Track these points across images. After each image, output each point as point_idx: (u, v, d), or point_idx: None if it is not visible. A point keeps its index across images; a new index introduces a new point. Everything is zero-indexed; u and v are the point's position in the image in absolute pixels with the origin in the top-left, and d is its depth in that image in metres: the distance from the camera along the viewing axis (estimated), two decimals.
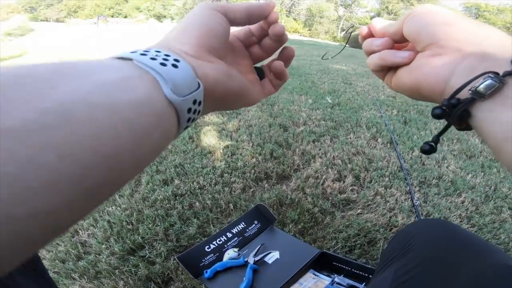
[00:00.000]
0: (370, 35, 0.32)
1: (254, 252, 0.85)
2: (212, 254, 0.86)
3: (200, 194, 1.20)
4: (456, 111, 0.21)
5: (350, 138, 1.79)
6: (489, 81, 0.20)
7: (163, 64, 0.19)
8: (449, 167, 1.55)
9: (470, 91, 0.21)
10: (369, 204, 1.21)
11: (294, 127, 1.89)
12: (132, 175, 0.18)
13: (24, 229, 0.11)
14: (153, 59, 0.19)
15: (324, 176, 1.36)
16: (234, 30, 0.31)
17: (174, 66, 0.20)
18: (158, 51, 0.21)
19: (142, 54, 0.20)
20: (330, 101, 2.53)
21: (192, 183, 1.26)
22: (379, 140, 1.79)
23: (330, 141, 1.74)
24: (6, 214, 0.10)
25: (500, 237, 1.08)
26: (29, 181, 0.11)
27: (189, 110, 0.21)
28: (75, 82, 0.14)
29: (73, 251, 0.92)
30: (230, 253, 0.86)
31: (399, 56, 0.28)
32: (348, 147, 1.66)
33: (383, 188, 1.30)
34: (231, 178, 1.31)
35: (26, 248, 0.12)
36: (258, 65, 0.34)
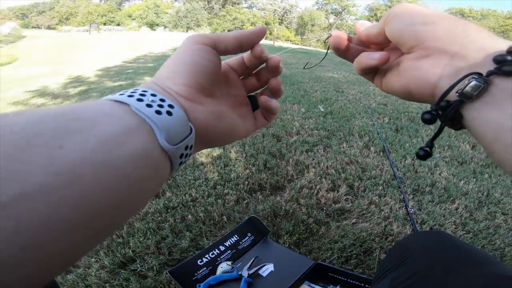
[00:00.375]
0: (348, 43, 0.31)
1: (248, 265, 0.83)
2: (205, 268, 0.84)
3: (193, 206, 1.18)
4: (447, 114, 0.21)
5: (343, 147, 1.80)
6: (473, 82, 0.19)
7: (158, 112, 0.20)
8: (441, 174, 1.56)
9: (457, 93, 0.20)
10: (363, 213, 1.20)
11: (287, 137, 1.89)
12: (129, 216, 0.19)
13: (46, 265, 0.14)
14: (149, 105, 0.20)
15: (318, 186, 1.36)
16: (228, 59, 0.31)
17: (169, 113, 0.20)
18: (154, 95, 0.21)
19: (138, 100, 0.20)
20: (322, 109, 2.55)
21: (184, 195, 1.24)
22: (372, 148, 1.80)
23: (323, 151, 1.75)
24: (30, 259, 0.13)
25: (495, 242, 1.08)
26: (48, 234, 0.13)
27: (181, 155, 0.21)
28: (80, 137, 0.16)
29: None
30: (223, 267, 0.84)
31: (372, 58, 0.27)
32: (341, 156, 1.66)
33: (377, 197, 1.30)
34: (224, 190, 1.30)
35: (45, 278, 0.14)
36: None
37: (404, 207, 1.25)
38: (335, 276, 0.84)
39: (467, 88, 0.20)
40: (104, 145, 0.16)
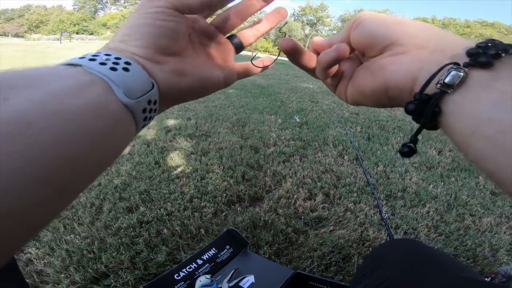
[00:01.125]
0: (300, 48, 0.29)
1: (228, 278, 0.81)
2: (182, 282, 0.81)
3: (168, 220, 1.14)
4: (430, 106, 0.21)
5: (319, 156, 1.83)
6: (453, 72, 0.19)
7: (113, 69, 0.20)
8: (411, 179, 1.63)
9: (438, 85, 0.20)
10: (340, 221, 1.22)
11: (265, 148, 1.90)
12: (96, 175, 0.18)
13: (2, 229, 0.13)
14: (102, 64, 0.19)
15: (295, 196, 1.37)
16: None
17: (125, 69, 0.20)
18: (108, 54, 0.21)
19: (91, 60, 0.20)
20: (298, 120, 2.60)
21: (159, 209, 1.20)
22: (346, 157, 1.85)
23: (300, 161, 1.77)
24: None
25: (466, 243, 1.13)
26: (1, 185, 0.12)
27: (144, 110, 0.21)
28: (28, 92, 0.15)
29: (28, 280, 0.84)
30: (202, 280, 0.81)
31: (330, 51, 0.26)
32: (317, 166, 1.69)
33: (352, 203, 1.33)
34: (201, 202, 1.27)
35: (6, 247, 0.14)
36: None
37: (378, 213, 1.28)
38: (315, 284, 0.84)
39: (448, 78, 0.19)
40: (55, 97, 0.16)
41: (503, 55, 0.19)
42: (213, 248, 0.94)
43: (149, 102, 0.21)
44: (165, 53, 0.24)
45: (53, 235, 1.05)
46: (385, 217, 1.25)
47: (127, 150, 1.78)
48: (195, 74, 0.26)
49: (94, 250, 0.98)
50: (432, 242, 1.15)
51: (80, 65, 0.19)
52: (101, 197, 1.28)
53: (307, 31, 42.83)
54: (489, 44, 0.20)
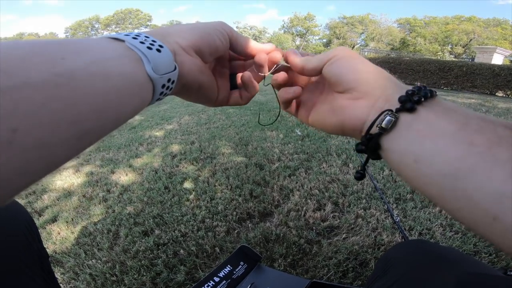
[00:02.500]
0: (286, 79, 0.36)
1: None
2: None
3: (184, 241, 1.15)
4: (372, 144, 0.27)
5: (323, 167, 1.85)
6: (388, 118, 0.25)
7: (149, 48, 0.24)
8: None
9: (377, 127, 0.26)
10: (352, 228, 1.23)
11: (269, 164, 1.93)
12: (113, 127, 0.22)
13: (31, 155, 0.15)
14: (142, 42, 0.24)
15: (304, 208, 1.38)
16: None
17: (158, 50, 0.25)
18: (147, 37, 0.26)
19: (134, 38, 0.25)
20: (299, 133, 2.63)
21: (174, 231, 1.21)
22: (350, 165, 1.86)
23: (305, 173, 1.79)
24: (20, 142, 0.15)
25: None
26: (41, 119, 0.16)
27: (163, 86, 0.26)
28: (79, 56, 0.19)
29: None
30: None
31: (289, 92, 0.34)
32: (323, 176, 1.71)
33: (362, 210, 1.34)
34: (213, 222, 1.28)
35: (28, 174, 0.16)
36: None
37: (389, 217, 1.29)
38: None
39: (384, 122, 0.25)
40: (98, 61, 0.20)
41: (423, 100, 0.25)
42: (228, 266, 0.95)
43: (169, 80, 0.26)
44: (199, 56, 0.30)
45: (75, 261, 1.08)
46: (397, 220, 1.25)
47: (137, 178, 1.81)
48: (210, 78, 0.33)
49: (116, 273, 1.00)
50: (450, 241, 1.14)
51: (123, 41, 0.24)
52: (117, 223, 1.30)
53: (297, 42, 43.75)
54: (415, 92, 0.25)
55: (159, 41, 0.26)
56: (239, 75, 0.37)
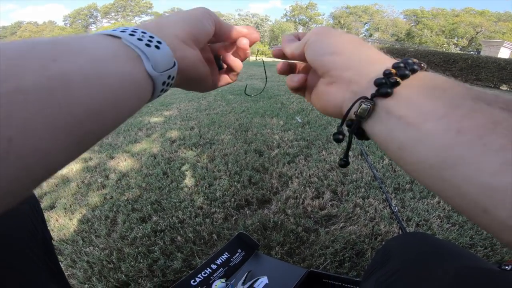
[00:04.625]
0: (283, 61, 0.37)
1: (242, 280, 0.82)
2: (199, 287, 0.82)
3: (181, 228, 1.16)
4: (352, 132, 0.25)
5: (323, 155, 1.84)
6: (363, 106, 0.23)
7: (148, 45, 0.23)
8: None
9: (354, 115, 0.24)
10: (350, 217, 1.22)
11: (269, 151, 1.92)
12: (112, 128, 0.22)
13: (29, 164, 0.15)
14: (139, 39, 0.23)
15: (303, 195, 1.37)
16: None
17: (157, 47, 0.24)
18: (144, 32, 0.24)
19: (130, 34, 0.23)
20: (300, 120, 2.61)
21: (171, 218, 1.21)
22: (350, 153, 1.85)
23: (305, 160, 1.78)
24: (16, 151, 0.14)
25: (482, 232, 1.12)
26: (37, 126, 0.15)
27: (164, 83, 0.25)
28: (71, 57, 0.18)
29: None
30: (217, 284, 0.82)
31: (293, 80, 0.34)
32: (322, 164, 1.70)
33: (361, 199, 1.33)
34: (211, 209, 1.28)
35: (28, 182, 0.16)
36: None
37: (388, 207, 1.28)
38: (329, 281, 0.84)
39: (360, 110, 0.24)
40: (92, 62, 0.19)
41: (401, 80, 0.22)
42: (226, 253, 0.95)
43: (169, 77, 0.26)
44: (196, 45, 0.30)
45: (73, 248, 1.08)
46: (395, 210, 1.25)
47: (135, 164, 1.80)
48: (207, 68, 0.33)
49: (114, 260, 1.00)
50: (446, 233, 1.14)
51: (119, 38, 0.23)
52: (114, 209, 1.30)
53: (300, 31, 43.26)
54: (392, 72, 0.23)
55: (157, 37, 0.25)
56: (228, 56, 0.38)
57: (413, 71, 0.23)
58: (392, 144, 0.22)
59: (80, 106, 0.17)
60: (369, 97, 0.23)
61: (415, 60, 0.25)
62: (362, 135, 0.26)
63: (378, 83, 0.23)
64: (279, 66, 0.37)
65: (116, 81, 0.20)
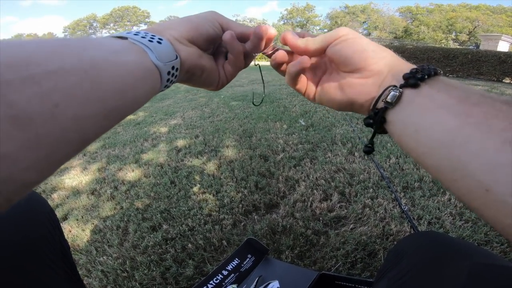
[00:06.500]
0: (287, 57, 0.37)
1: (253, 285, 0.82)
2: None
3: (191, 235, 1.16)
4: (378, 118, 0.29)
5: (329, 157, 1.83)
6: (392, 93, 0.27)
7: (150, 41, 0.28)
8: None
9: (383, 102, 0.28)
10: (360, 218, 1.22)
11: (274, 156, 1.92)
12: (130, 111, 0.25)
13: (69, 128, 0.19)
14: (143, 37, 0.28)
15: (310, 198, 1.37)
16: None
17: (159, 42, 0.28)
18: (147, 33, 0.29)
19: (135, 34, 0.28)
20: (303, 123, 2.61)
21: (181, 226, 1.22)
22: (356, 154, 1.84)
23: (310, 163, 1.78)
24: (61, 113, 0.18)
25: None
26: (76, 96, 0.19)
27: (169, 73, 0.29)
28: (97, 48, 0.23)
29: None
30: None
31: (296, 64, 0.34)
32: (329, 166, 1.69)
33: (369, 199, 1.32)
34: (219, 215, 1.29)
35: (67, 145, 0.19)
36: None
37: (397, 206, 1.27)
38: (341, 283, 0.84)
39: (389, 97, 0.27)
40: (112, 52, 0.24)
41: (426, 77, 0.27)
42: (236, 259, 0.95)
43: (173, 67, 0.30)
44: (191, 42, 0.33)
45: (87, 258, 1.10)
46: (405, 209, 1.24)
47: (143, 174, 1.82)
48: (210, 61, 0.36)
49: (127, 269, 1.02)
50: (460, 230, 1.12)
51: (126, 38, 0.27)
52: (125, 219, 1.32)
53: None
54: (418, 70, 0.27)
55: (157, 36, 0.29)
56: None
57: (435, 72, 0.27)
58: (410, 127, 0.26)
59: (106, 84, 0.21)
60: (398, 86, 0.27)
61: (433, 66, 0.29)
62: (381, 128, 0.30)
63: (407, 76, 0.27)
64: (280, 55, 0.36)
65: (133, 67, 0.25)
